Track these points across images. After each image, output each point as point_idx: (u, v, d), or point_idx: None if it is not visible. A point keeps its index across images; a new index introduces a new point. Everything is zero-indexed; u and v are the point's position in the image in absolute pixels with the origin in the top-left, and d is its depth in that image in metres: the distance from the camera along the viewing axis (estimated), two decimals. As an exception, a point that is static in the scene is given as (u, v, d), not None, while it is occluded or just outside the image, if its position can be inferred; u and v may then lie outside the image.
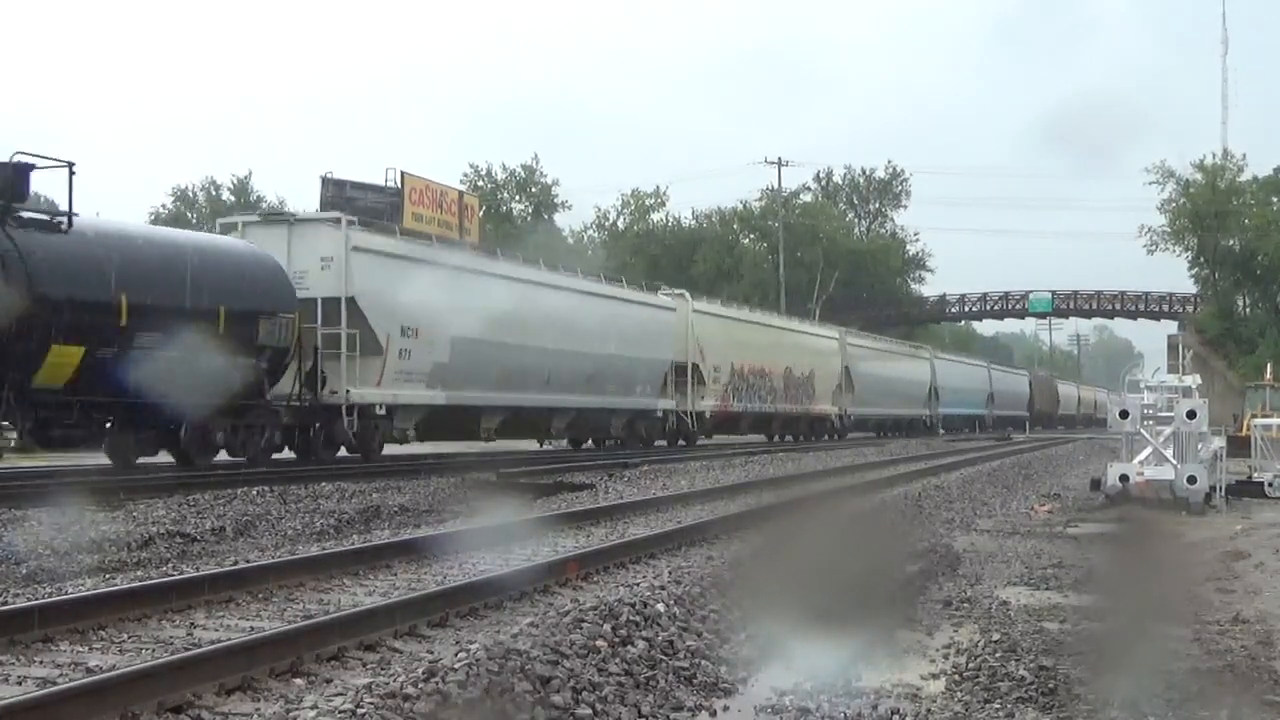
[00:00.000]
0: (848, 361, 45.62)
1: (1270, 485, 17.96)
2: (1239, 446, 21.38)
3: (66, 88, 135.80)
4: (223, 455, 18.54)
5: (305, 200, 57.52)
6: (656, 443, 31.39)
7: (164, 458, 18.29)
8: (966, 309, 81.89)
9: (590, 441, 30.46)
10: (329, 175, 37.76)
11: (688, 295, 34.88)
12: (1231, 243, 65.07)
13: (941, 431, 55.15)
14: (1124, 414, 16.58)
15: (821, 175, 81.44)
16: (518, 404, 25.20)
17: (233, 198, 68.65)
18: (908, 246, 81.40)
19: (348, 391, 19.69)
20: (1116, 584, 10.08)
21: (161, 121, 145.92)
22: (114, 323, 15.78)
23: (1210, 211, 62.87)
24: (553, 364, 25.65)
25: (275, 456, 19.48)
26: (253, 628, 6.91)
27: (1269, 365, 38.90)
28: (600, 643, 6.24)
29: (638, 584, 8.19)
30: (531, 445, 28.49)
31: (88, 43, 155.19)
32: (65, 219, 15.85)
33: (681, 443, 32.48)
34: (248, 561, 9.31)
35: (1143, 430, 16.56)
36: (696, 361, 32.75)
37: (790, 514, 13.30)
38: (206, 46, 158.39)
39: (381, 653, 6.49)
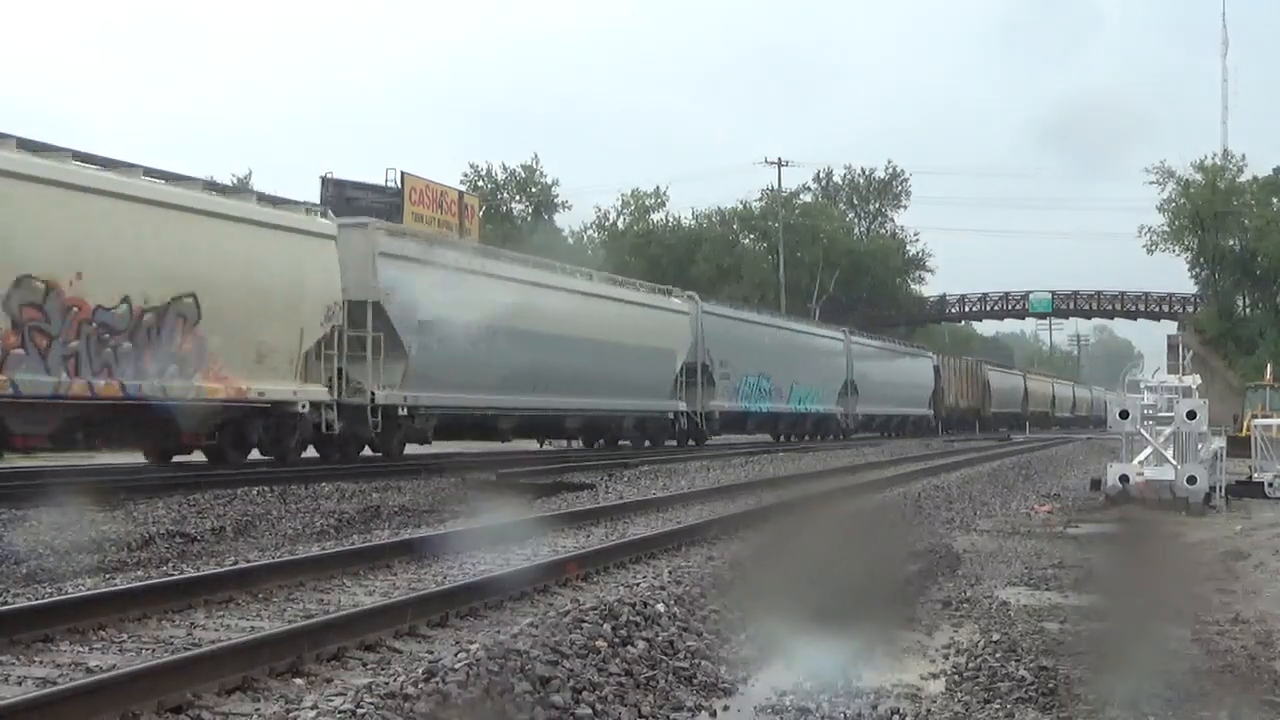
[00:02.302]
0: (415, 312, 21.22)
1: (1270, 485, 17.95)
2: (1239, 446, 21.36)
3: (66, 84, 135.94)
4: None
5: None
6: None
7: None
8: (966, 309, 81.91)
9: None
10: (329, 175, 37.94)
11: None
12: (1231, 243, 65.05)
13: (714, 439, 34.00)
14: (1124, 414, 16.58)
15: (821, 175, 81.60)
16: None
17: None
18: (908, 247, 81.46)
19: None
20: (1116, 584, 10.07)
21: (160, 120, 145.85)
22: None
23: (1210, 211, 62.84)
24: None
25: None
26: (253, 628, 6.91)
27: (1269, 365, 38.88)
28: (600, 643, 6.24)
29: (638, 584, 8.20)
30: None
31: (89, 40, 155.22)
32: None
33: None
34: (248, 561, 9.31)
35: (1143, 430, 16.55)
36: None
37: (790, 514, 13.30)
38: (206, 45, 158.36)
39: (381, 653, 6.48)
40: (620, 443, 29.66)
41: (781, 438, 40.36)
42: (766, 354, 37.07)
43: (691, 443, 32.37)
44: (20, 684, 5.64)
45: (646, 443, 30.74)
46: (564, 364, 25.30)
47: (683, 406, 31.61)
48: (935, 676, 6.39)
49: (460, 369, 22.19)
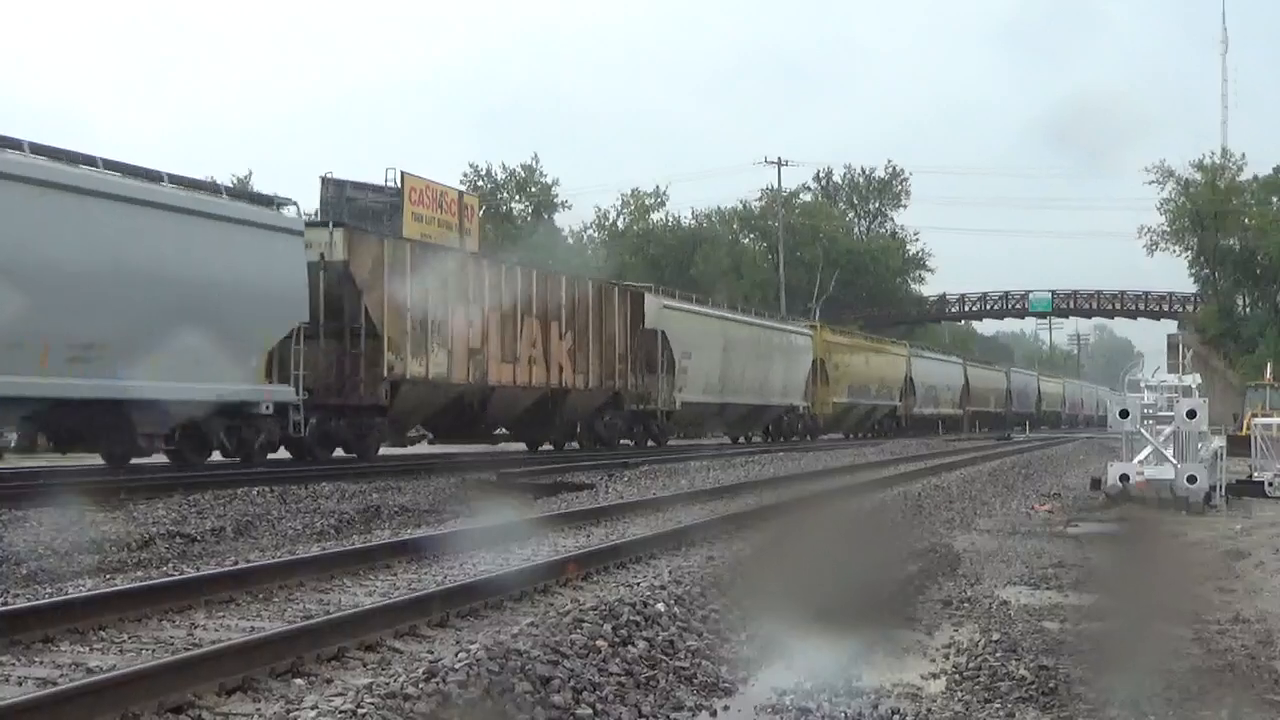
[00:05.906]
0: None
1: (1270, 485, 17.96)
2: (1239, 446, 21.37)
3: (66, 83, 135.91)
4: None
5: (305, 201, 57.37)
6: None
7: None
8: (966, 309, 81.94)
9: None
10: (329, 175, 37.92)
11: None
12: (1231, 242, 65.04)
13: None
14: (1124, 413, 16.59)
15: (821, 175, 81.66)
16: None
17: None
18: (907, 246, 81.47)
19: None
20: (1117, 583, 10.07)
21: (160, 120, 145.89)
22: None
23: (1210, 211, 62.84)
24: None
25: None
26: (253, 628, 6.90)
27: (1269, 365, 38.90)
28: (600, 643, 6.23)
29: (638, 584, 8.19)
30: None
31: (89, 40, 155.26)
32: None
33: None
34: (248, 561, 9.30)
35: (1143, 430, 16.56)
36: None
37: (790, 514, 13.29)
38: (206, 45, 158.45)
39: (382, 653, 6.48)
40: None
41: None
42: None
43: None
44: (20, 684, 5.64)
45: None
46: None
47: None
48: (935, 676, 6.38)
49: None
